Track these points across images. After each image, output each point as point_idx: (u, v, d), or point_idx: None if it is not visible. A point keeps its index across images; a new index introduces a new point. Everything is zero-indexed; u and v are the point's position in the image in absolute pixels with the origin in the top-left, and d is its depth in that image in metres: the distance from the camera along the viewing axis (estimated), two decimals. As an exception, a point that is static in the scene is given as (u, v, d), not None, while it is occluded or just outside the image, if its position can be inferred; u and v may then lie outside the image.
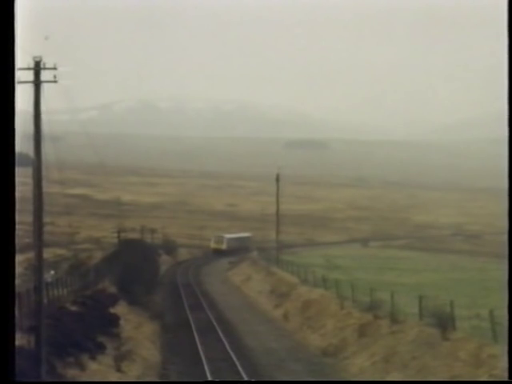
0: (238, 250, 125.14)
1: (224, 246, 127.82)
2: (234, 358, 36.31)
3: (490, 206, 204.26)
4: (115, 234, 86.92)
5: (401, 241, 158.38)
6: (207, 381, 30.88)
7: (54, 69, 25.94)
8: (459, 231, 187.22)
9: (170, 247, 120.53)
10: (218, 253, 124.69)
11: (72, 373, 27.81)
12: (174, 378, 32.71)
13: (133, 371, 32.10)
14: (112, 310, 43.93)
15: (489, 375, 26.42)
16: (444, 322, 32.36)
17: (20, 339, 26.06)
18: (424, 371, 30.15)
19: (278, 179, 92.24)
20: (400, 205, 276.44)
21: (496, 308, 28.38)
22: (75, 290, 47.99)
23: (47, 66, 26.05)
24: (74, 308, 39.24)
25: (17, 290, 24.36)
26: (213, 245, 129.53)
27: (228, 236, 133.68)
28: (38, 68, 25.86)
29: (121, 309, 47.12)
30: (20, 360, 21.74)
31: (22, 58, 23.03)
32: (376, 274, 71.94)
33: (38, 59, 25.85)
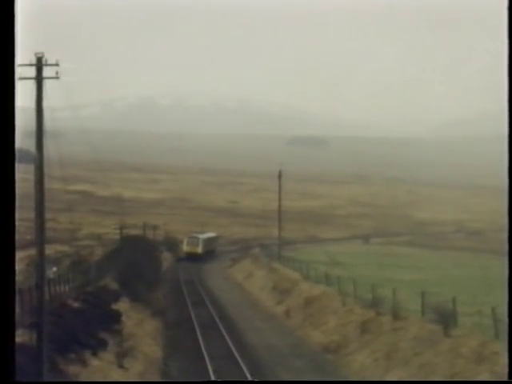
0: (210, 253, 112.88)
1: (200, 250, 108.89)
2: (236, 355, 36.32)
3: (491, 203, 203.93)
4: (117, 231, 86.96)
5: (402, 237, 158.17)
6: (207, 381, 30.83)
7: (56, 65, 25.87)
8: (460, 228, 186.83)
9: (171, 244, 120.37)
10: (193, 257, 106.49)
11: (74, 369, 27.80)
12: (175, 375, 32.70)
13: (134, 367, 32.10)
14: (114, 307, 43.92)
15: (490, 372, 26.37)
16: (446, 319, 32.30)
17: (22, 336, 26.05)
18: (426, 368, 30.10)
19: (280, 176, 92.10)
20: (401, 201, 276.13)
21: (498, 305, 28.31)
22: (77, 286, 47.96)
23: (49, 62, 25.99)
24: (75, 304, 39.21)
25: (19, 286, 24.37)
26: (186, 247, 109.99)
27: (202, 237, 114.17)
28: (39, 64, 25.79)
29: (123, 305, 47.10)
30: (22, 356, 21.72)
31: (24, 54, 22.98)
32: (378, 270, 71.88)
33: (39, 55, 25.78)
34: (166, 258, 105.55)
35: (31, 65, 25.63)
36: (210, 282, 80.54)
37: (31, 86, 25.87)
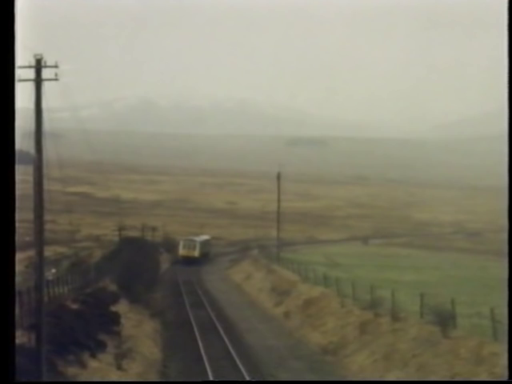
0: (205, 256, 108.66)
1: (197, 253, 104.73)
2: (235, 356, 36.32)
3: (491, 204, 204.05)
4: (116, 232, 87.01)
5: (401, 238, 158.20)
6: (207, 381, 30.85)
7: (55, 67, 25.86)
8: (459, 229, 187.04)
9: (170, 245, 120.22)
10: (189, 262, 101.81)
11: (73, 371, 27.80)
12: (173, 376, 32.69)
13: (133, 369, 32.08)
14: (113, 308, 43.91)
15: (489, 373, 26.39)
16: (445, 320, 32.32)
17: (21, 337, 26.04)
18: (424, 369, 30.12)
19: (279, 177, 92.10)
20: (400, 202, 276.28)
21: (497, 306, 28.34)
22: (76, 288, 47.95)
23: (48, 63, 25.98)
24: (74, 306, 39.22)
25: (18, 288, 24.35)
26: (182, 251, 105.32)
27: (199, 239, 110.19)
28: (39, 66, 25.78)
29: (121, 307, 47.09)
30: (21, 358, 21.72)
31: (23, 55, 22.98)
32: (376, 271, 71.86)
33: (38, 57, 25.77)
34: (165, 260, 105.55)
35: (30, 66, 25.61)
36: (208, 283, 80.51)
37: (30, 87, 25.87)
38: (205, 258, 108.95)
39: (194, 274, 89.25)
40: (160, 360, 36.53)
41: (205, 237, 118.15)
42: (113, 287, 54.37)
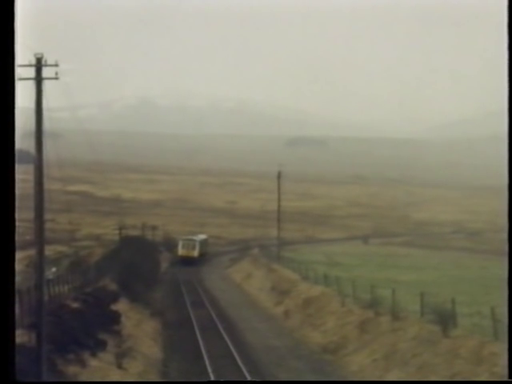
0: (203, 256, 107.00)
1: (196, 253, 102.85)
2: (236, 356, 36.32)
3: (490, 204, 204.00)
4: (116, 231, 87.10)
5: (401, 238, 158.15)
6: (207, 381, 30.83)
7: (56, 66, 25.85)
8: (459, 228, 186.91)
9: (170, 244, 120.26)
10: (189, 262, 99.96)
11: (73, 370, 27.79)
12: (174, 375, 32.69)
13: (133, 368, 32.08)
14: (113, 307, 43.91)
15: (489, 373, 26.38)
16: (445, 320, 32.31)
17: (21, 336, 26.03)
18: (425, 369, 30.10)
19: (279, 176, 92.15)
20: (400, 202, 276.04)
21: (497, 305, 28.33)
22: (76, 287, 47.94)
23: (48, 62, 25.97)
24: (75, 305, 39.21)
25: (18, 287, 24.35)
26: (182, 251, 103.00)
27: (199, 239, 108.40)
28: (39, 65, 25.78)
29: (122, 306, 47.10)
30: (21, 357, 21.71)
31: (24, 54, 22.95)
32: (377, 271, 71.92)
33: (39, 56, 25.76)
34: (165, 259, 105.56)
35: (31, 65, 25.60)
36: (208, 282, 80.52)
37: (30, 87, 25.85)
38: (203, 257, 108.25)
39: (193, 273, 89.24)
40: (160, 359, 36.54)
41: (202, 236, 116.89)
42: (113, 286, 54.36)
